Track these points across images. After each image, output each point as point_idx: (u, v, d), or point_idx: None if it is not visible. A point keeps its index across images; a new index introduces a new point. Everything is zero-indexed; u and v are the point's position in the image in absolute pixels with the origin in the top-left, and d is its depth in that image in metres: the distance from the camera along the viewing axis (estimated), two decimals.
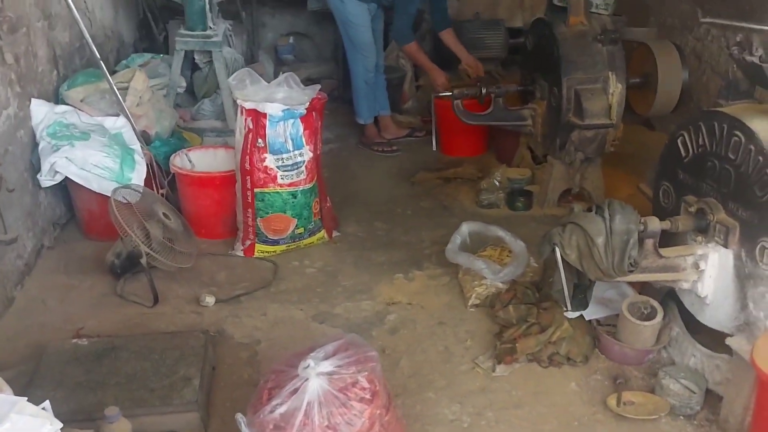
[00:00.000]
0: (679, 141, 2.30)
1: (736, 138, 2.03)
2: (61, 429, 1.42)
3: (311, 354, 1.83)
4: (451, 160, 4.11)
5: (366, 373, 1.84)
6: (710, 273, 2.17)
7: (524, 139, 3.75)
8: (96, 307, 2.67)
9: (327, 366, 1.80)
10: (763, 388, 1.86)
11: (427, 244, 3.21)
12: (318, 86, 3.04)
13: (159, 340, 2.31)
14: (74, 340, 2.28)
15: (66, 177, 2.87)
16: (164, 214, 2.75)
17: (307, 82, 4.27)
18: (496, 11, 5.73)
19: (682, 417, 2.16)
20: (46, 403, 1.47)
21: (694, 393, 2.21)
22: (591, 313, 2.50)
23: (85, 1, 3.76)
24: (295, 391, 1.76)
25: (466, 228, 3.00)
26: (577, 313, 2.48)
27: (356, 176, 3.95)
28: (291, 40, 5.26)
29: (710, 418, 2.15)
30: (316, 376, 1.77)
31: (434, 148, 3.73)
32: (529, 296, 2.64)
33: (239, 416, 1.84)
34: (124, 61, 4.00)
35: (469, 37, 5.22)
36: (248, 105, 2.85)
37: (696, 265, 2.19)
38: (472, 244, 2.99)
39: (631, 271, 2.09)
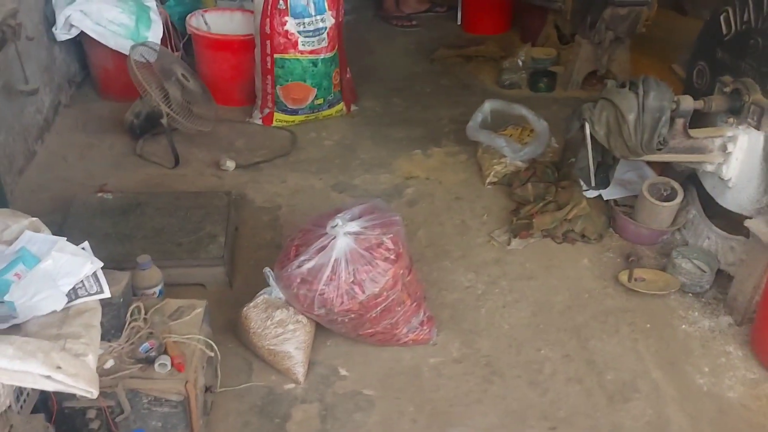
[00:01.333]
0: (722, 17, 2.21)
1: None
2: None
3: (339, 214, 1.86)
4: (473, 37, 3.97)
5: (391, 235, 1.88)
6: (737, 156, 2.16)
7: (552, 16, 3.60)
8: (116, 165, 2.68)
9: (354, 226, 1.83)
10: None
11: (445, 122, 3.18)
12: None
13: (183, 198, 2.34)
14: (99, 194, 2.30)
15: (81, 33, 2.79)
16: (183, 75, 2.69)
17: None
18: None
19: (691, 294, 2.23)
20: (85, 244, 1.50)
21: (705, 272, 2.26)
22: (610, 193, 2.52)
23: None
24: (323, 248, 1.81)
25: (488, 106, 2.95)
26: (596, 192, 2.49)
27: (374, 50, 3.83)
28: None
29: (718, 297, 2.22)
30: (344, 234, 1.80)
31: (458, 23, 3.57)
32: (549, 175, 2.64)
33: (267, 270, 1.90)
34: None
35: None
36: None
37: (724, 147, 2.17)
38: (493, 122, 2.95)
39: (659, 150, 2.07)
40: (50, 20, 2.76)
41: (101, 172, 2.62)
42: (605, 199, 2.53)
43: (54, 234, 2.04)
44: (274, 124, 3.02)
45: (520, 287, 2.27)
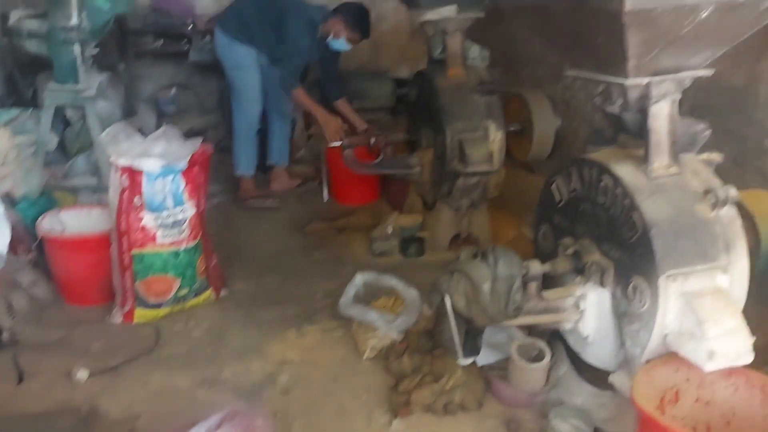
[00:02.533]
0: (552, 187, 2.40)
1: (604, 183, 2.13)
2: None
3: (193, 430, 1.71)
4: (344, 208, 4.10)
5: None
6: (590, 312, 2.25)
7: (414, 186, 3.81)
8: None
9: None
10: (644, 423, 1.92)
11: (320, 296, 3.15)
12: (200, 139, 2.94)
13: (22, 424, 2.08)
14: None
15: None
16: (30, 282, 2.52)
17: (191, 133, 4.16)
18: (379, 63, 5.89)
19: None
20: None
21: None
22: (483, 358, 2.52)
23: None
24: None
25: (360, 279, 2.97)
26: (469, 360, 2.49)
27: (245, 230, 3.84)
28: (173, 91, 5.12)
29: None
30: None
31: (325, 199, 3.71)
32: (423, 345, 2.63)
33: None
34: None
35: (355, 88, 5.33)
36: (123, 162, 2.71)
37: (576, 306, 2.26)
38: (366, 294, 2.96)
39: (516, 316, 2.12)
40: None
41: None
42: (479, 364, 2.52)
43: None
44: (136, 320, 2.86)
45: None
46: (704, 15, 1.71)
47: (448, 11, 3.25)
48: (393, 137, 3.63)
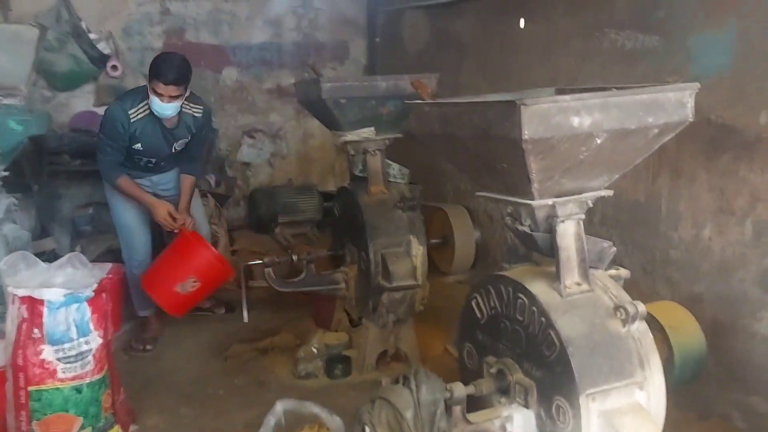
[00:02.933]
0: (473, 303, 2.38)
1: (521, 300, 2.13)
2: None
3: None
4: (268, 328, 3.94)
5: None
6: None
7: (340, 302, 3.73)
8: None
9: None
10: None
11: (240, 428, 2.95)
12: (110, 265, 2.80)
13: None
14: None
15: None
16: None
17: (108, 254, 3.99)
18: (308, 177, 5.99)
19: None
20: None
21: None
22: None
23: None
24: None
25: (280, 407, 2.78)
26: None
27: (161, 356, 3.62)
28: (90, 210, 4.96)
29: None
30: None
31: (245, 320, 3.55)
32: None
33: None
34: None
35: (283, 201, 5.35)
36: (21, 292, 2.53)
37: (503, 428, 2.18)
38: (288, 423, 2.77)
39: None
40: None
41: None
42: None
43: None
44: None
45: None
46: (599, 142, 1.79)
47: (368, 132, 3.34)
48: (316, 254, 3.58)
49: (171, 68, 3.29)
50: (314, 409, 2.74)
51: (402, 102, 2.91)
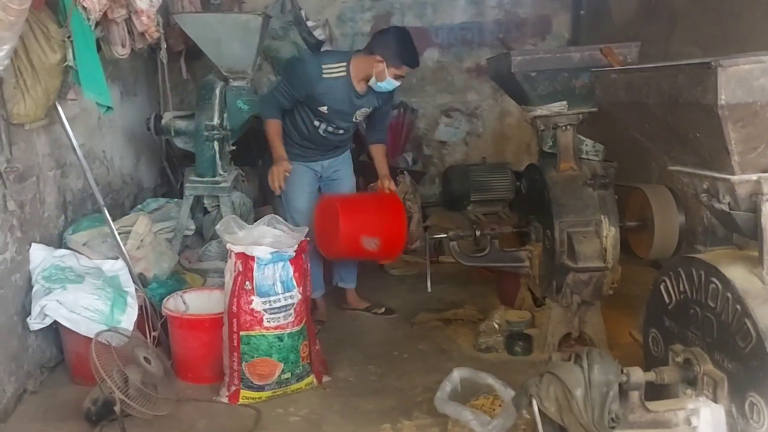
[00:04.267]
0: (661, 287, 2.24)
1: (713, 285, 1.96)
2: None
3: None
4: (453, 301, 4.04)
5: None
6: (704, 430, 2.00)
7: (524, 280, 3.69)
8: None
9: None
10: None
11: (419, 390, 3.08)
12: (306, 228, 3.09)
13: None
14: None
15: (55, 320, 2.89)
16: (145, 358, 2.72)
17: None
18: (503, 155, 5.94)
19: None
20: None
21: None
22: None
23: (104, 151, 4.02)
24: None
25: (457, 375, 2.87)
26: None
27: (355, 317, 3.90)
28: None
29: None
30: None
31: (428, 290, 3.67)
32: None
33: None
34: (139, 206, 4.18)
35: (476, 179, 5.39)
36: (237, 249, 2.91)
37: (688, 421, 2.03)
38: (464, 391, 2.85)
39: (613, 428, 1.94)
40: (27, 310, 2.90)
41: None
42: None
43: None
44: (240, 401, 2.95)
45: None
46: None
47: (559, 107, 3.24)
48: (500, 230, 3.58)
49: (416, 53, 3.40)
50: (490, 380, 2.78)
51: None
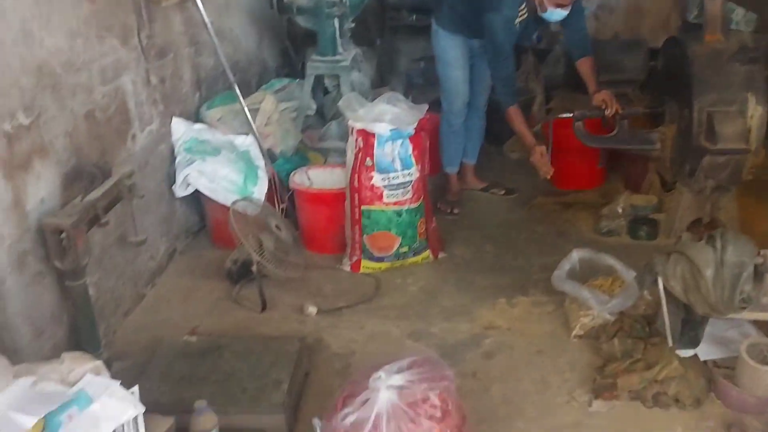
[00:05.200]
0: None
1: None
2: (144, 414, 1.55)
3: (385, 367, 1.85)
4: (567, 192, 3.92)
5: (438, 391, 1.82)
6: None
7: (653, 164, 3.51)
8: (212, 308, 2.88)
9: (398, 380, 1.81)
10: None
11: (536, 269, 3.11)
12: (426, 106, 3.08)
13: (259, 342, 2.45)
14: (185, 338, 2.47)
15: (197, 189, 3.14)
16: (276, 226, 2.92)
17: (435, 104, 4.28)
18: (638, 31, 5.48)
19: None
20: (135, 388, 1.61)
21: None
22: (707, 352, 2.29)
23: (232, 29, 4.13)
24: (366, 401, 1.79)
25: (576, 255, 2.86)
26: (689, 352, 2.27)
27: (472, 198, 3.92)
28: (422, 64, 5.37)
29: None
30: (386, 388, 1.78)
31: (549, 174, 3.53)
32: (638, 330, 2.46)
33: (315, 421, 1.91)
34: (264, 85, 4.31)
35: (606, 58, 5.03)
36: (358, 125, 2.97)
37: None
38: (582, 272, 2.84)
39: (744, 308, 1.88)
40: (172, 178, 3.16)
41: (198, 314, 2.83)
42: (702, 359, 2.29)
43: (137, 374, 2.23)
44: (362, 270, 3.13)
45: None
46: None
47: None
48: (631, 110, 3.37)
49: None
50: (611, 260, 2.75)
51: None
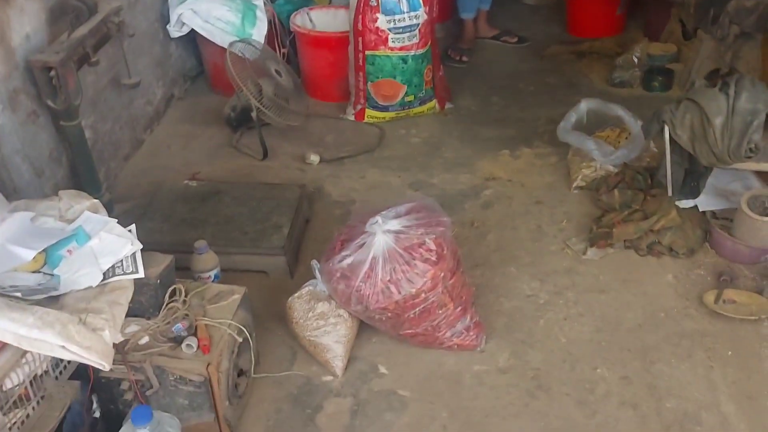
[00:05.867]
0: None
1: None
2: (143, 251, 1.58)
3: (382, 212, 1.86)
4: (582, 40, 3.73)
5: (434, 236, 1.84)
6: None
7: (675, 10, 3.30)
8: (212, 155, 2.87)
9: (395, 224, 1.82)
10: None
11: (542, 121, 3.04)
12: None
13: (259, 189, 2.45)
14: (186, 182, 2.48)
15: (194, 30, 3.00)
16: (277, 71, 2.82)
17: None
18: None
19: None
20: (132, 227, 1.63)
21: None
22: (706, 203, 2.28)
23: None
24: (363, 245, 1.82)
25: (584, 105, 2.77)
26: (689, 203, 2.27)
27: (481, 47, 3.74)
28: None
29: None
30: (383, 233, 1.80)
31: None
32: (639, 181, 2.44)
33: (314, 262, 1.95)
34: None
35: None
36: None
37: None
38: (589, 123, 2.77)
39: (750, 157, 1.84)
40: (165, 18, 3.01)
41: (198, 160, 2.83)
42: (701, 210, 2.28)
43: (138, 215, 2.26)
44: (366, 120, 3.07)
45: (587, 300, 2.12)
46: None
47: None
48: None
49: None
50: (619, 111, 2.67)
51: None
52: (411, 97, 3.03)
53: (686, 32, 3.27)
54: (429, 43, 2.96)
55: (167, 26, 3.00)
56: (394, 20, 2.84)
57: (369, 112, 3.06)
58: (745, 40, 2.90)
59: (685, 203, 2.25)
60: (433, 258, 1.82)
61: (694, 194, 2.13)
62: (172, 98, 3.18)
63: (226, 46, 2.86)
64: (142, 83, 2.65)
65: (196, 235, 2.14)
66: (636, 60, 3.24)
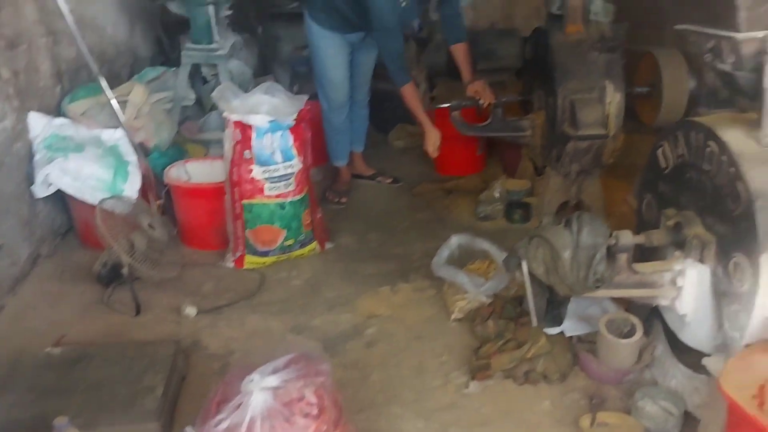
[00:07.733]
0: (659, 152, 2.22)
1: (710, 148, 1.93)
2: None
3: (259, 368, 1.82)
4: (449, 178, 4.03)
5: (314, 387, 1.82)
6: (689, 290, 2.07)
7: (526, 150, 3.67)
8: (83, 314, 2.72)
9: (272, 380, 1.78)
10: (732, 413, 1.75)
11: (418, 256, 3.18)
12: (305, 96, 3.04)
13: (131, 348, 2.34)
14: (47, 350, 2.31)
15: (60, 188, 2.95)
16: (150, 224, 2.80)
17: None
18: (512, 21, 5.68)
19: None
20: None
21: (672, 415, 2.10)
22: (571, 329, 2.42)
23: (96, 17, 3.88)
24: (239, 405, 1.75)
25: (455, 240, 2.95)
26: (555, 330, 2.40)
27: (357, 187, 3.94)
28: (305, 52, 5.29)
29: None
30: (260, 390, 1.75)
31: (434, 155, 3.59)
32: (509, 311, 2.57)
33: (189, 429, 1.85)
34: (136, 75, 4.10)
35: (483, 47, 5.18)
36: (234, 117, 2.89)
37: (674, 282, 2.09)
38: (460, 256, 2.94)
39: (597, 287, 2.01)
40: (32, 179, 2.94)
41: (67, 321, 2.67)
42: (567, 335, 2.43)
43: None
44: (246, 266, 3.07)
45: None
46: None
47: None
48: (504, 98, 3.50)
49: None
50: (486, 245, 2.85)
51: None
52: (291, 241, 3.08)
53: (537, 169, 3.64)
54: (306, 188, 3.08)
55: (31, 187, 2.92)
56: (269, 170, 2.95)
57: (249, 258, 3.07)
58: (585, 176, 3.27)
59: (552, 330, 2.39)
60: (314, 411, 1.78)
61: (558, 322, 2.28)
62: (39, 257, 3.04)
63: (96, 203, 2.82)
64: (6, 245, 2.53)
65: (61, 406, 1.98)
66: (497, 195, 3.52)
